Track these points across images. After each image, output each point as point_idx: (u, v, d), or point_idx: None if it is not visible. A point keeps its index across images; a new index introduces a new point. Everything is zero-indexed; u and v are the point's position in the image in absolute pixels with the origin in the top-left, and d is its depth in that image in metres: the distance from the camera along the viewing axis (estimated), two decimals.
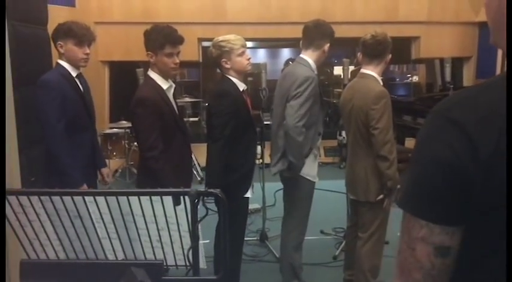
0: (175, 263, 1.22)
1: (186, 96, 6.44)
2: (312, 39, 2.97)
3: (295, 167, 2.94)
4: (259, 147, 3.86)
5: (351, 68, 5.94)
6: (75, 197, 1.10)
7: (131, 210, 1.14)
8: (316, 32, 2.98)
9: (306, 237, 3.47)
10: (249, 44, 10.53)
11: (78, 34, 2.68)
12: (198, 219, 1.10)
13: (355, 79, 3.03)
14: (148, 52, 2.56)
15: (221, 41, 2.82)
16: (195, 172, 5.83)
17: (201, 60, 6.51)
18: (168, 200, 1.11)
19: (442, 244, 0.81)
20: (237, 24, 6.15)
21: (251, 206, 4.58)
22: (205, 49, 7.21)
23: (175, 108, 2.68)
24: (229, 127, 2.69)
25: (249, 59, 2.85)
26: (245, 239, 3.84)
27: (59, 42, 2.69)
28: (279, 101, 3.05)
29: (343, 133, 5.62)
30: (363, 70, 2.90)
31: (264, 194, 4.14)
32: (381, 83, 2.89)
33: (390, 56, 2.91)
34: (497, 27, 0.88)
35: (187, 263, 1.14)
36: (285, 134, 2.90)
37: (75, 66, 2.75)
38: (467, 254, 0.83)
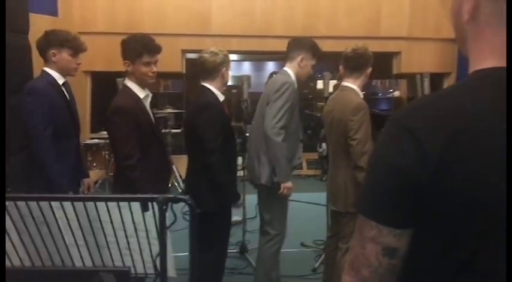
0: (145, 271, 1.21)
1: (169, 108, 6.43)
2: (288, 53, 3.09)
3: (281, 172, 2.93)
4: (240, 158, 3.87)
5: (334, 82, 6.00)
6: (41, 203, 1.09)
7: (99, 216, 1.13)
8: (292, 46, 3.08)
9: (286, 250, 3.47)
10: (234, 56, 10.64)
11: (74, 45, 2.73)
12: (167, 225, 1.09)
13: (336, 92, 3.07)
14: (126, 61, 2.56)
15: (221, 51, 2.96)
16: (176, 184, 5.79)
17: (184, 72, 6.52)
18: (137, 206, 1.10)
19: (389, 245, 0.84)
20: (222, 36, 6.19)
21: (232, 219, 4.58)
22: (189, 61, 7.22)
23: (151, 118, 2.68)
24: (220, 138, 2.73)
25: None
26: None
27: (53, 51, 2.71)
28: (260, 109, 3.10)
29: (324, 145, 5.66)
30: (343, 83, 2.95)
31: (244, 206, 4.13)
32: (361, 96, 2.93)
33: (370, 69, 2.96)
34: (461, 39, 0.92)
35: (156, 271, 1.13)
36: (264, 137, 2.92)
37: (65, 74, 2.78)
38: (421, 256, 0.85)
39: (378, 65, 7.95)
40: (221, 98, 2.91)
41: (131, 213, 1.11)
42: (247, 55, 10.15)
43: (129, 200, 1.10)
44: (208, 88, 2.89)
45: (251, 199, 4.28)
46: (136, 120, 2.51)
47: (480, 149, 0.77)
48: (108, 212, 1.11)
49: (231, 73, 3.03)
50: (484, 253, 0.81)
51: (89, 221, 1.13)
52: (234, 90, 8.01)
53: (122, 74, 5.25)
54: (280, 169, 2.93)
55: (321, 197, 3.93)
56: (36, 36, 3.07)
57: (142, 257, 1.18)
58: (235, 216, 4.46)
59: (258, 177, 3.06)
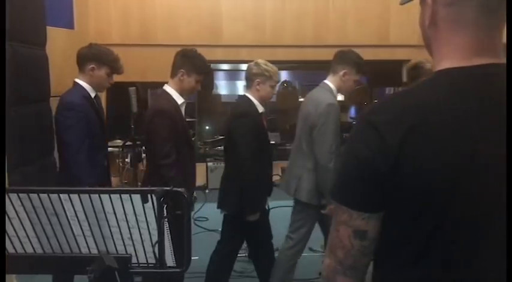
0: (146, 260, 1.31)
1: None
2: (332, 64, 3.11)
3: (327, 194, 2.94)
4: None
5: None
6: (51, 195, 1.20)
7: (103, 208, 1.23)
8: (338, 58, 3.10)
9: None
10: (245, 66, 10.77)
11: (113, 65, 2.84)
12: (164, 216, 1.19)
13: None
14: (182, 70, 2.77)
15: (265, 64, 3.07)
16: None
17: None
18: (138, 198, 1.20)
19: (359, 228, 0.93)
20: (233, 47, 6.34)
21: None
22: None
23: (186, 123, 2.87)
24: (253, 145, 2.84)
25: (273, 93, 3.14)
26: None
27: (92, 65, 2.79)
28: (301, 126, 3.16)
29: None
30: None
31: None
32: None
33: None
34: (427, 44, 1.01)
35: (154, 257, 1.22)
36: (315, 161, 2.95)
37: (96, 90, 2.86)
38: (388, 239, 0.94)
39: (387, 72, 8.00)
40: (260, 109, 3.03)
41: (133, 205, 1.22)
42: None
43: (130, 192, 1.21)
44: (248, 97, 3.04)
45: None
46: (174, 123, 2.68)
47: (435, 141, 0.86)
48: (112, 204, 1.21)
49: (270, 90, 3.08)
50: (441, 236, 0.89)
51: (95, 212, 1.24)
52: None
53: (134, 84, 5.39)
54: (327, 191, 2.94)
55: None
56: (53, 48, 3.21)
57: (143, 247, 1.28)
58: None
59: (295, 192, 3.11)
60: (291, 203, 3.29)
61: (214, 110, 7.63)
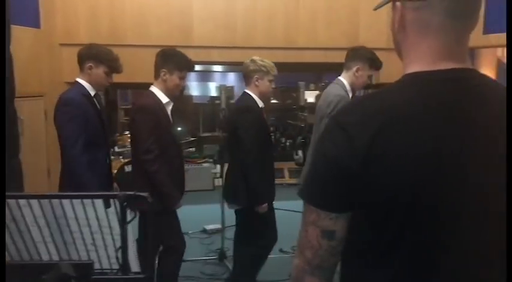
0: (110, 265, 1.28)
1: None
2: (346, 62, 3.27)
3: None
4: (218, 167, 3.94)
5: (309, 92, 6.14)
6: (9, 201, 1.16)
7: (64, 213, 1.20)
8: (350, 56, 3.25)
9: None
10: (218, 67, 10.73)
11: (112, 64, 2.89)
12: (127, 221, 1.16)
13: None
14: (164, 69, 2.82)
15: (261, 60, 3.20)
16: None
17: None
18: (101, 203, 1.18)
19: (327, 228, 0.94)
20: (204, 47, 6.30)
21: (212, 226, 4.63)
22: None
23: (171, 122, 2.91)
24: (257, 140, 2.89)
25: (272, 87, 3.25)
26: (204, 258, 3.89)
27: (90, 64, 2.84)
28: (317, 122, 3.22)
29: (300, 152, 5.76)
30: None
31: (223, 214, 4.18)
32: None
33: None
34: (397, 48, 1.02)
35: (118, 263, 1.20)
36: None
37: (95, 88, 2.91)
38: (356, 238, 0.95)
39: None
40: (260, 104, 3.10)
41: (95, 210, 1.19)
42: (232, 66, 10.27)
43: (92, 197, 1.18)
44: (249, 94, 3.14)
45: (226, 207, 4.34)
46: (156, 120, 2.72)
47: (402, 143, 0.87)
48: (73, 209, 1.18)
49: (268, 84, 3.19)
50: (407, 237, 0.90)
51: (55, 218, 1.20)
52: (218, 101, 8.11)
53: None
54: None
55: (299, 204, 4.01)
56: (18, 48, 3.11)
57: (107, 253, 1.25)
58: (216, 224, 4.52)
59: None
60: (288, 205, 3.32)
61: (185, 111, 7.56)
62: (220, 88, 4.70)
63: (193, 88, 10.08)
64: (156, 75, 2.88)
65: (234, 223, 4.89)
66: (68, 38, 5.68)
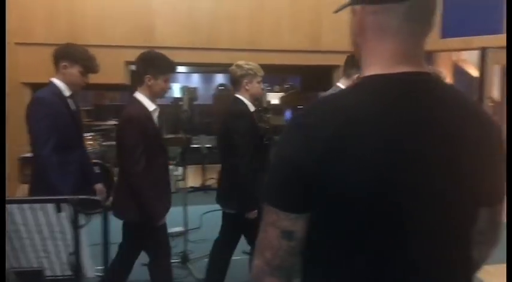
0: (62, 272, 1.23)
1: (113, 120, 6.36)
2: (345, 69, 3.35)
3: None
4: (180, 169, 3.90)
5: (273, 94, 6.17)
6: None
7: (14, 219, 1.15)
8: (350, 63, 3.30)
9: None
10: (182, 68, 10.64)
11: (87, 64, 2.81)
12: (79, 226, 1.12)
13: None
14: (147, 75, 2.71)
15: (246, 64, 3.22)
16: None
17: (129, 84, 6.47)
18: (52, 208, 1.13)
19: (286, 228, 0.94)
20: (167, 48, 6.21)
21: (175, 229, 4.58)
22: (132, 73, 7.18)
23: (159, 130, 2.84)
24: (252, 145, 2.87)
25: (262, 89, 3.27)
26: None
27: (64, 63, 2.77)
28: None
29: None
30: None
31: (186, 216, 4.14)
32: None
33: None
34: (356, 51, 1.03)
35: (70, 268, 1.15)
36: None
37: (71, 89, 2.83)
38: (317, 238, 0.95)
39: (320, 77, 8.22)
40: (251, 108, 3.13)
41: (46, 216, 1.14)
42: (195, 67, 10.20)
43: (42, 201, 1.13)
44: (239, 98, 3.15)
45: (196, 210, 4.31)
46: (144, 131, 2.65)
47: (359, 144, 0.87)
48: (22, 214, 1.13)
49: (258, 86, 3.23)
50: (367, 237, 0.91)
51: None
52: (181, 102, 8.04)
53: None
54: None
55: None
56: None
57: (59, 259, 1.20)
58: (179, 227, 4.47)
59: None
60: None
61: None
62: (183, 89, 4.64)
63: None
64: (140, 82, 2.78)
65: (196, 226, 4.86)
66: (24, 37, 5.51)
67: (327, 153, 0.87)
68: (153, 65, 2.74)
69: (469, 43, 6.32)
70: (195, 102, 8.56)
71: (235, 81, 3.20)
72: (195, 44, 6.33)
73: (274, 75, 10.24)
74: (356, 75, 3.20)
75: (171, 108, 7.93)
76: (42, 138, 2.63)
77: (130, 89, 6.84)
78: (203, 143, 6.42)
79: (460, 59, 7.36)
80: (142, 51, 6.30)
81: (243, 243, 4.17)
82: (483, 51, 5.85)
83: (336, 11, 1.06)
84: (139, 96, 2.76)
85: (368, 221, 0.89)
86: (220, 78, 10.53)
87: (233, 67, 3.25)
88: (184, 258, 4.02)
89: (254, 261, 1.01)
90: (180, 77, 11.49)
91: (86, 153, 3.13)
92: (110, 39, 5.88)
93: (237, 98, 3.18)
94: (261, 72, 3.26)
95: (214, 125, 8.30)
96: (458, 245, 0.98)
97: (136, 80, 2.78)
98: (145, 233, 2.78)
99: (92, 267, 1.21)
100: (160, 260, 2.89)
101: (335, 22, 6.75)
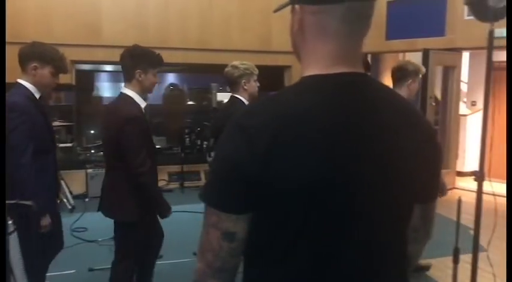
0: None
1: (58, 121, 6.13)
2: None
3: None
4: None
5: (223, 94, 6.15)
6: None
7: None
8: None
9: (179, 260, 3.47)
10: None
11: (58, 64, 2.67)
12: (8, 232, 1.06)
13: None
14: (138, 70, 2.64)
15: (242, 64, 3.23)
16: (65, 200, 5.51)
17: (74, 83, 6.28)
18: None
19: (227, 230, 0.94)
20: (114, 47, 6.07)
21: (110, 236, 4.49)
22: (79, 72, 6.95)
23: (150, 129, 2.80)
24: None
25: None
26: (98, 268, 3.73)
27: (35, 64, 2.59)
28: None
29: (212, 154, 5.76)
30: None
31: None
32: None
33: (411, 81, 3.37)
34: (296, 50, 1.03)
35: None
36: None
37: (40, 90, 2.68)
38: (257, 238, 0.95)
39: (271, 78, 8.30)
40: None
41: None
42: None
43: None
44: (239, 98, 3.19)
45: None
46: (145, 129, 2.65)
47: (299, 143, 0.88)
48: None
49: (254, 84, 3.29)
50: (306, 236, 0.91)
51: None
52: None
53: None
54: None
55: None
56: None
57: None
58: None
59: None
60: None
61: (94, 113, 7.22)
62: None
63: (104, 89, 9.69)
64: (130, 78, 2.69)
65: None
66: None
67: (268, 152, 0.87)
68: (143, 60, 2.70)
69: (413, 45, 6.56)
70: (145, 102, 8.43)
71: (233, 82, 3.22)
72: (144, 43, 6.15)
73: (220, 74, 10.20)
74: None
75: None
76: (21, 146, 2.49)
77: (77, 89, 6.66)
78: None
79: (405, 60, 7.62)
80: (89, 50, 6.13)
81: (194, 245, 4.11)
82: (426, 52, 6.08)
83: (276, 10, 1.06)
84: (130, 92, 2.69)
85: (308, 220, 0.90)
86: (171, 78, 10.37)
87: (229, 68, 3.26)
88: None
89: (197, 264, 1.00)
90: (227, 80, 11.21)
91: (56, 158, 2.95)
92: (54, 37, 5.66)
93: (236, 98, 3.21)
94: (256, 71, 3.30)
95: (166, 127, 8.17)
96: (395, 241, 1.00)
97: (125, 77, 2.73)
98: (136, 232, 2.76)
99: (23, 277, 1.15)
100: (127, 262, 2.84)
101: (285, 23, 6.78)
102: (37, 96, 2.67)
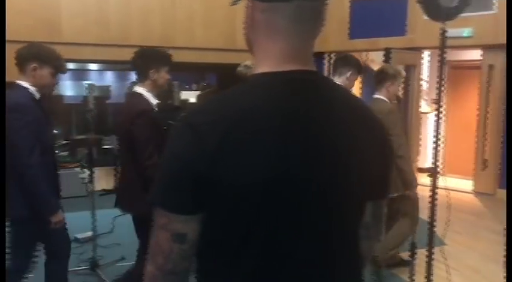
0: None
1: None
2: (337, 68, 3.51)
3: None
4: (86, 171, 3.72)
5: (197, 92, 6.11)
6: None
7: None
8: (341, 63, 3.51)
9: None
10: (94, 66, 10.20)
11: (57, 64, 2.66)
12: None
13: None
14: (151, 70, 2.77)
15: (252, 64, 3.23)
16: None
17: None
18: None
19: (177, 231, 0.91)
20: (74, 44, 5.92)
21: (83, 235, 4.38)
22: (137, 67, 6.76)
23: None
24: None
25: None
26: (75, 268, 3.65)
27: (34, 65, 2.56)
28: None
29: None
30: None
31: (95, 221, 3.96)
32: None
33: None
34: (249, 46, 1.01)
35: None
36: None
37: (40, 91, 2.64)
38: (210, 238, 0.93)
39: (234, 76, 8.28)
40: None
41: None
42: (109, 64, 9.81)
43: None
44: None
45: (106, 213, 4.13)
46: (153, 124, 2.72)
47: (249, 141, 0.86)
48: None
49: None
50: (257, 236, 0.90)
51: None
52: (94, 101, 7.69)
53: None
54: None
55: None
56: None
57: None
58: (87, 232, 4.27)
59: None
60: None
61: (56, 112, 7.03)
62: (89, 87, 4.37)
63: (65, 87, 9.45)
64: (144, 78, 2.82)
65: (108, 230, 4.67)
66: None
67: (218, 150, 0.85)
68: (155, 59, 2.84)
69: (375, 44, 6.67)
70: (108, 101, 8.25)
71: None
72: (105, 40, 6.09)
73: (190, 73, 10.13)
74: (349, 73, 3.44)
75: (81, 108, 7.56)
76: (28, 147, 2.48)
77: None
78: (115, 143, 6.19)
79: (369, 59, 7.75)
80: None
81: None
82: (387, 51, 6.19)
83: (232, 4, 1.04)
84: (142, 90, 2.81)
85: (260, 218, 0.89)
86: (134, 76, 10.23)
87: (241, 68, 3.33)
88: (94, 265, 3.84)
89: (147, 267, 0.97)
90: (92, 74, 10.99)
91: (56, 158, 2.96)
92: (11, 33, 5.44)
93: None
94: None
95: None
96: (347, 240, 1.00)
97: (138, 77, 2.86)
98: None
99: None
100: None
101: None
102: (37, 97, 2.65)
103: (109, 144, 6.05)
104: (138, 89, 2.83)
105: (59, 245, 2.85)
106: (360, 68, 3.61)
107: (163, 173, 0.93)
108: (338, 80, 3.53)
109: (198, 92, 8.74)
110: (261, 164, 0.87)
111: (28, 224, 2.61)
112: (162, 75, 2.86)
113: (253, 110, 0.89)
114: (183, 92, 9.96)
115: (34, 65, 2.59)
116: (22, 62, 2.63)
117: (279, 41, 0.94)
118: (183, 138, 0.89)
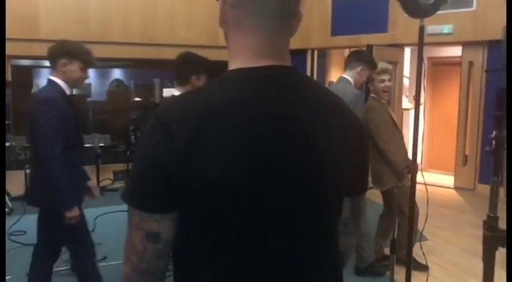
0: None
1: None
2: (349, 62, 3.57)
3: None
4: None
5: (169, 89, 6.04)
6: None
7: None
8: (354, 57, 3.57)
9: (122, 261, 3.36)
10: None
11: (86, 58, 2.74)
12: None
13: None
14: (193, 76, 2.98)
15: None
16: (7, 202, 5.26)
17: (11, 80, 5.97)
18: None
19: (151, 230, 0.90)
20: (53, 41, 5.81)
21: None
22: (16, 68, 6.63)
23: None
24: None
25: None
26: (56, 269, 3.60)
27: (64, 61, 2.66)
28: None
29: None
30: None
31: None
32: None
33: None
34: (226, 41, 1.00)
35: None
36: None
37: (71, 86, 2.77)
38: (184, 237, 0.91)
39: (217, 73, 8.26)
40: None
41: None
42: None
43: None
44: None
45: (86, 213, 4.07)
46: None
47: (221, 138, 0.85)
48: None
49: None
50: (231, 234, 0.89)
51: None
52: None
53: None
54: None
55: None
56: None
57: None
58: None
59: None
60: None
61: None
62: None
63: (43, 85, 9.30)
64: (185, 82, 3.01)
65: (92, 229, 4.62)
66: None
67: (189, 147, 0.84)
68: (198, 65, 3.00)
69: (357, 41, 6.70)
70: (89, 99, 8.15)
71: None
72: (85, 37, 5.98)
73: (172, 70, 10.03)
74: (360, 68, 3.49)
75: None
76: (53, 139, 2.56)
77: (13, 85, 6.33)
78: (97, 142, 6.11)
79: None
80: (26, 45, 5.85)
81: None
82: (369, 48, 6.22)
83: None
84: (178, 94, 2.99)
85: (234, 216, 0.88)
86: (117, 74, 10.09)
87: None
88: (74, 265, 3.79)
89: (123, 268, 0.95)
90: None
91: (82, 152, 3.05)
92: None
93: None
94: None
95: (110, 124, 7.95)
96: (325, 237, 0.99)
97: (179, 80, 3.05)
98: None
99: None
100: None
101: None
102: (68, 92, 2.75)
103: (90, 142, 5.98)
104: (177, 92, 2.98)
105: (79, 243, 2.89)
106: (373, 64, 3.63)
107: (135, 172, 0.92)
108: (348, 74, 3.59)
109: (169, 89, 8.68)
110: (233, 161, 0.85)
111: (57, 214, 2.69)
112: (202, 81, 3.00)
113: (225, 106, 0.87)
114: (165, 89, 9.86)
115: (64, 60, 2.69)
116: (53, 59, 2.74)
117: (249, 36, 0.93)
118: (154, 137, 0.88)
